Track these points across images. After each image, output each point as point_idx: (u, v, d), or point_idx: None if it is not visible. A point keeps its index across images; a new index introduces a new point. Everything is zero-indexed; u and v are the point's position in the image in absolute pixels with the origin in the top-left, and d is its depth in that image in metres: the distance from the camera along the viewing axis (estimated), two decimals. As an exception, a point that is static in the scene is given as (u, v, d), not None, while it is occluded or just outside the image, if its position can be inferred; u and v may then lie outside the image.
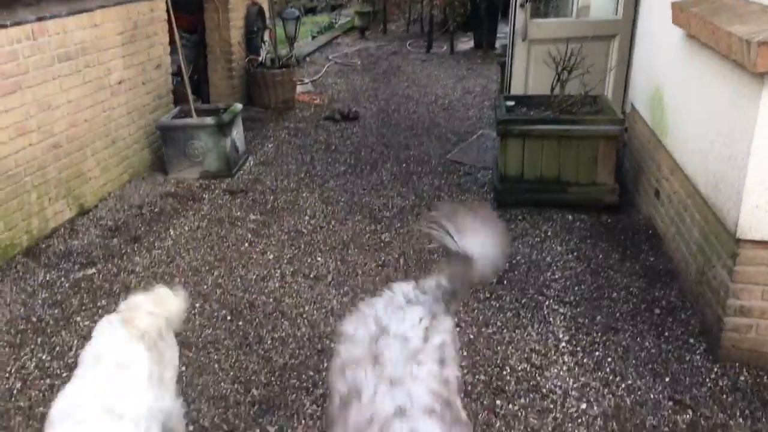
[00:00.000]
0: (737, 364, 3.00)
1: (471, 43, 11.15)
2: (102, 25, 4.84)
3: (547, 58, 4.98)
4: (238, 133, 5.64)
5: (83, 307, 3.62)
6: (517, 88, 5.87)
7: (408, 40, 11.63)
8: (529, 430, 2.69)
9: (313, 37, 12.29)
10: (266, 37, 7.78)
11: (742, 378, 2.94)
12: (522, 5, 5.63)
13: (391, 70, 9.46)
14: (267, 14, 7.78)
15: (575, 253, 4.11)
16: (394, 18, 13.15)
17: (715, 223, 3.11)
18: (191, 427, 2.74)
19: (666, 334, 3.27)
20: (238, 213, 4.79)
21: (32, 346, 3.28)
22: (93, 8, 4.73)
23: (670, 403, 2.80)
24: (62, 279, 3.92)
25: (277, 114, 7.10)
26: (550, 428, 2.69)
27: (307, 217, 4.70)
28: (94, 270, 4.02)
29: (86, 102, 4.72)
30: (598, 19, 5.94)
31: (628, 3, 5.45)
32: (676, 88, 3.93)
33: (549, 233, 4.38)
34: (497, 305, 3.59)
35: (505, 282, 3.81)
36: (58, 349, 3.27)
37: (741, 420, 2.70)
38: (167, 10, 5.47)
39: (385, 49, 11.05)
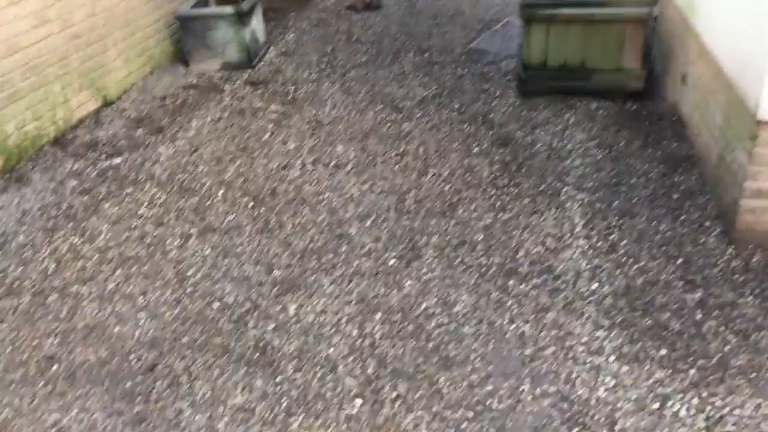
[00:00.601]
0: (751, 246, 3.02)
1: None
2: None
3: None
4: (258, 23, 5.56)
5: (111, 195, 3.74)
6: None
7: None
8: (539, 308, 2.77)
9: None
10: None
11: (755, 259, 2.96)
12: None
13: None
14: None
15: (597, 141, 4.07)
16: None
17: (737, 106, 3.05)
18: (216, 304, 2.88)
19: (683, 218, 3.28)
20: (260, 104, 4.80)
21: (64, 231, 3.43)
22: None
23: (681, 283, 2.86)
24: (90, 168, 4.03)
25: (299, 4, 6.94)
26: (560, 306, 2.77)
27: (327, 108, 4.70)
28: (120, 159, 4.11)
29: (104, -9, 4.68)
30: None
31: None
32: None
33: (571, 121, 4.33)
34: (515, 192, 3.61)
35: (524, 169, 3.82)
36: (88, 233, 3.41)
37: (751, 298, 2.75)
38: None
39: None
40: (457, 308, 2.80)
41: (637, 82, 4.47)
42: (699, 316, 2.67)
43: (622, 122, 4.27)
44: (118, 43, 4.88)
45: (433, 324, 2.73)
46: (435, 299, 2.86)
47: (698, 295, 2.78)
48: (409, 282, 2.97)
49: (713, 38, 3.54)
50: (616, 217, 3.34)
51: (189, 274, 3.09)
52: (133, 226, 3.47)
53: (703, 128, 3.65)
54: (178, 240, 3.34)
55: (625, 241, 3.15)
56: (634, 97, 4.50)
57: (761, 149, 2.82)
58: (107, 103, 4.78)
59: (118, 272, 3.13)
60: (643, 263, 3.00)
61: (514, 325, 2.70)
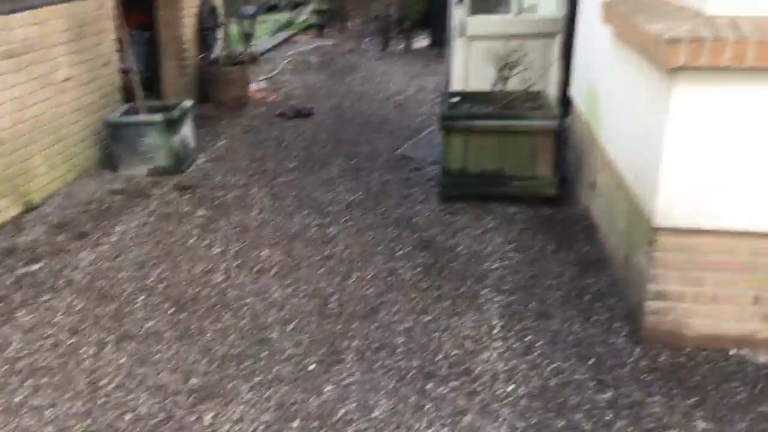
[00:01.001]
0: (658, 345, 3.15)
1: (428, 41, 11.28)
2: (47, 23, 4.84)
3: (487, 55, 5.15)
4: (188, 130, 5.67)
5: (26, 302, 3.65)
6: (457, 84, 6.02)
7: (365, 38, 11.73)
8: (456, 411, 2.80)
9: (272, 35, 12.31)
10: (220, 34, 7.81)
11: (661, 358, 3.09)
12: (457, 3, 5.79)
13: (346, 68, 9.55)
14: (221, 11, 7.80)
15: (514, 244, 4.24)
16: (353, 16, 13.22)
17: (636, 213, 3.27)
18: (128, 416, 2.80)
19: (594, 318, 3.42)
20: (187, 209, 4.83)
21: (-28, 341, 3.31)
22: (38, 5, 4.73)
23: (593, 383, 2.94)
24: (6, 275, 3.93)
25: (230, 111, 7.13)
26: (476, 409, 2.80)
27: (255, 212, 4.77)
28: (38, 266, 4.03)
29: (31, 99, 4.72)
30: (539, 17, 6.11)
31: (569, 2, 5.62)
32: (607, 85, 4.08)
33: (490, 225, 4.51)
34: (436, 294, 3.70)
35: (445, 272, 3.92)
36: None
37: (658, 397, 2.85)
38: (117, 7, 5.49)
39: (342, 46, 11.13)
40: (375, 413, 2.80)
41: (551, 189, 4.72)
42: (609, 416, 2.75)
43: (538, 226, 4.47)
44: (43, 150, 4.89)
45: (351, 431, 2.71)
46: (354, 404, 2.85)
47: (609, 394, 2.87)
48: (328, 387, 2.97)
49: (614, 150, 3.82)
50: (532, 319, 3.44)
51: (102, 384, 3.00)
52: (47, 334, 3.37)
53: (611, 233, 3.87)
54: (94, 348, 3.26)
55: (540, 342, 3.25)
56: (549, 202, 4.74)
57: (659, 254, 3.01)
58: (30, 209, 4.73)
59: (27, 383, 3.02)
60: (557, 364, 3.08)
61: (431, 429, 2.71)
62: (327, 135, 6.50)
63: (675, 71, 2.74)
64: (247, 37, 9.42)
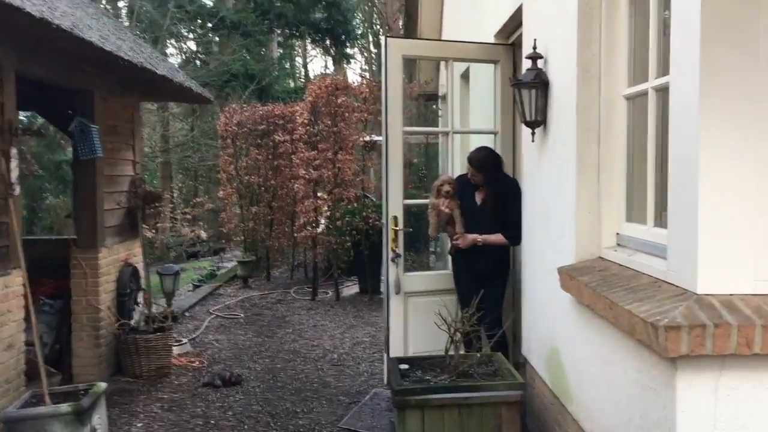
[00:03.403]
0: None
1: (356, 288, 11.12)
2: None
3: (426, 310, 4.91)
4: (100, 417, 4.92)
5: None
6: (396, 345, 5.68)
7: (293, 286, 11.48)
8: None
9: (195, 287, 11.92)
10: (140, 298, 7.32)
11: None
12: (393, 260, 5.61)
13: (276, 321, 9.11)
14: (142, 274, 7.38)
15: None
16: (278, 264, 13.10)
17: None
18: None
19: None
20: None
21: None
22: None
23: None
24: None
25: (150, 384, 6.42)
26: None
27: None
28: None
29: None
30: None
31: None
32: (575, 352, 3.78)
33: None
34: None
35: None
36: None
37: None
38: (24, 284, 4.99)
39: (269, 297, 10.79)
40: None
41: (523, 468, 4.19)
42: None
43: None
44: None
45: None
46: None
47: None
48: None
49: (596, 428, 3.40)
50: None
51: None
52: None
53: None
54: None
55: None
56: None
57: None
58: None
59: None
60: None
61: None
62: (260, 406, 5.84)
63: (676, 360, 2.43)
64: (169, 296, 8.98)
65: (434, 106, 11.75)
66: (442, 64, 11.43)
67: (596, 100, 3.68)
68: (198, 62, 23.37)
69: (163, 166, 21.15)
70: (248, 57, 21.55)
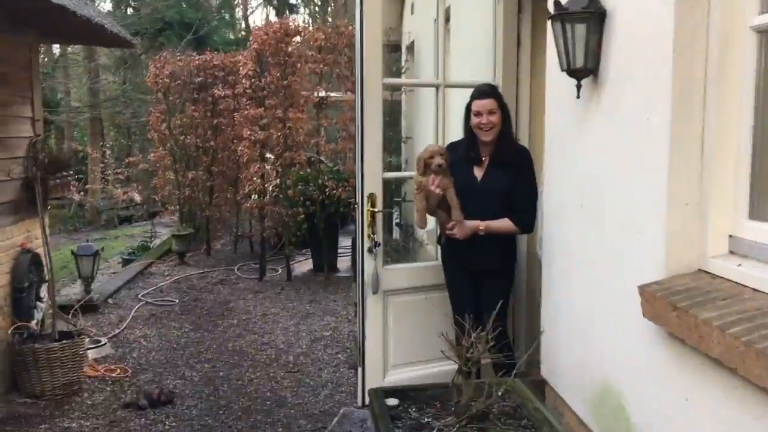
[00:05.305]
0: None
1: (310, 264, 9.82)
2: None
3: (410, 311, 4.18)
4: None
5: None
6: (374, 359, 4.48)
7: (237, 262, 10.08)
8: None
9: (125, 261, 10.41)
10: (44, 292, 5.85)
11: None
12: (370, 250, 4.35)
13: (217, 309, 7.75)
14: (45, 262, 5.89)
15: None
16: (219, 235, 11.64)
17: None
18: None
19: None
20: None
21: None
22: None
23: None
24: None
25: (55, 406, 5.03)
26: None
27: None
28: None
29: None
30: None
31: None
32: (656, 404, 2.59)
33: None
34: None
35: None
36: None
37: None
38: None
39: (209, 277, 9.38)
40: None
41: None
42: None
43: None
44: None
45: None
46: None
47: None
48: None
49: None
50: None
51: None
52: None
53: None
54: None
55: None
56: None
57: None
58: None
59: None
60: None
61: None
62: (197, 436, 4.56)
63: None
64: (87, 281, 7.51)
65: (401, 60, 10.33)
66: (408, 7, 10.08)
67: (703, 36, 2.43)
68: (129, 10, 21.34)
69: (92, 122, 19.26)
70: (184, 5, 19.66)
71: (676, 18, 2.42)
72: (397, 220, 9.52)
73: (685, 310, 2.18)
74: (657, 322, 2.42)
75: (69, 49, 19.27)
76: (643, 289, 2.49)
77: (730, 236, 2.43)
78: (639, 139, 2.68)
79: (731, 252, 2.42)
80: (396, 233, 9.45)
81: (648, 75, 2.61)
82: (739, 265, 2.30)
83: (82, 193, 17.31)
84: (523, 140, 4.79)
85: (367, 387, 4.38)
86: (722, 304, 2.14)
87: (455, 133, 4.46)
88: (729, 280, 2.31)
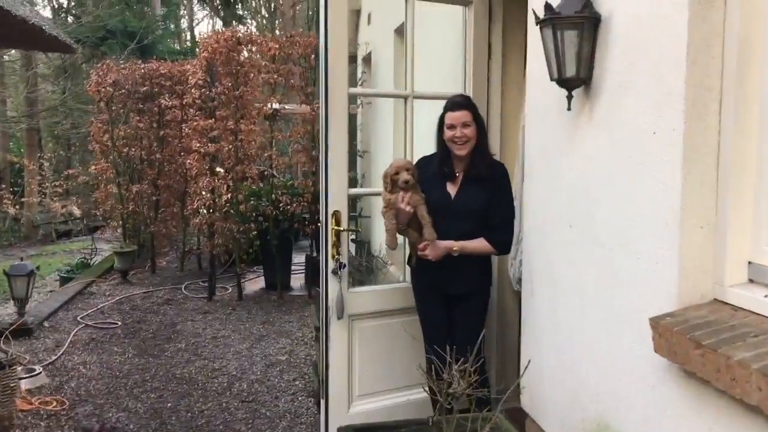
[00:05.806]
0: None
1: (262, 282, 9.40)
2: None
3: (378, 337, 3.91)
4: None
5: None
6: (338, 391, 4.13)
7: (184, 281, 9.59)
8: None
9: (63, 279, 9.78)
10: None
11: None
12: (335, 272, 4.03)
13: (164, 332, 7.27)
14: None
15: None
16: (165, 251, 11.10)
17: None
18: None
19: None
20: None
21: None
22: None
23: None
24: None
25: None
26: None
27: None
28: None
29: None
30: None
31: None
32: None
33: None
34: None
35: None
36: None
37: None
38: None
39: (155, 296, 8.87)
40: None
41: None
42: None
43: None
44: None
45: None
46: None
47: None
48: None
49: None
50: None
51: None
52: None
53: None
54: None
55: None
56: None
57: None
58: None
59: None
60: None
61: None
62: (143, 479, 4.13)
63: None
64: (22, 302, 6.96)
65: (356, 72, 10.03)
66: (364, 18, 9.81)
67: (719, 40, 2.21)
68: (69, 18, 20.55)
69: (30, 133, 18.38)
70: (127, 14, 19.02)
71: (689, 21, 2.19)
72: (353, 236, 9.19)
73: (712, 349, 1.92)
74: (673, 360, 2.16)
75: (6, 57, 18.42)
76: (656, 322, 2.23)
77: (749, 263, 2.20)
78: (642, 154, 2.43)
79: (750, 280, 2.20)
80: (352, 250, 9.12)
81: (654, 84, 2.37)
82: (766, 296, 2.06)
83: (17, 206, 16.51)
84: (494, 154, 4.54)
85: (332, 422, 4.05)
86: (755, 342, 1.89)
87: (419, 147, 4.20)
88: (754, 312, 2.08)
